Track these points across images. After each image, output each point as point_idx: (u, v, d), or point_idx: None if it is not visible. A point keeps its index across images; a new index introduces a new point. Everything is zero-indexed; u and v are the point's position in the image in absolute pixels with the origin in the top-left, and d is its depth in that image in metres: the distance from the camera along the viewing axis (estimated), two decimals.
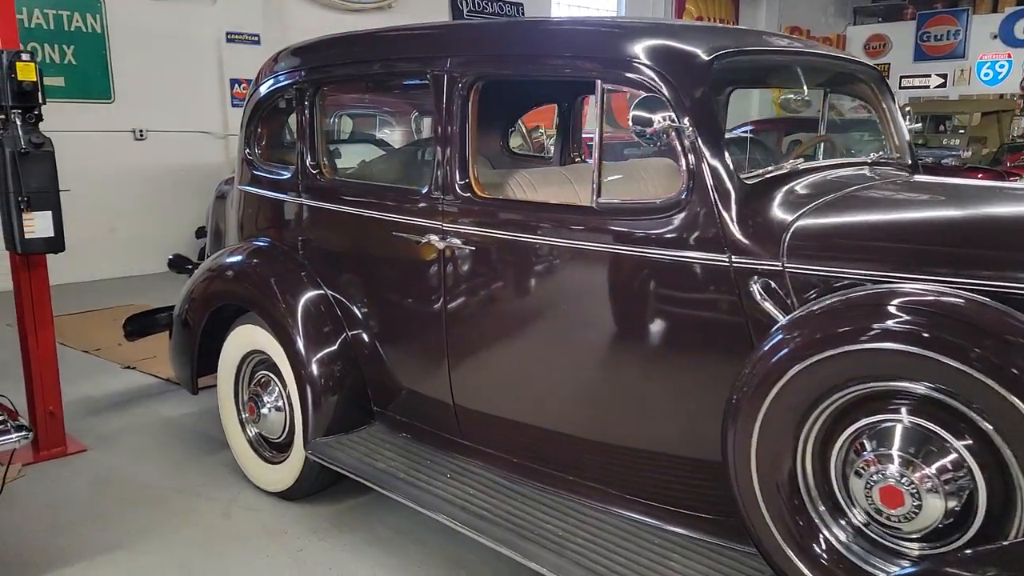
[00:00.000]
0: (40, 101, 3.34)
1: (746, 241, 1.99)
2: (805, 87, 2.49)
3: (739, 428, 1.84)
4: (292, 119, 3.63)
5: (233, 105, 8.48)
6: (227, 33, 8.36)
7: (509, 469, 2.60)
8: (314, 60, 3.03)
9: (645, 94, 2.03)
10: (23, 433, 2.46)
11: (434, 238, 2.57)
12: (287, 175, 3.15)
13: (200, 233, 8.08)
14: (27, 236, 3.31)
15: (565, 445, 2.44)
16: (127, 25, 7.77)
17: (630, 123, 1.99)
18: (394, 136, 6.37)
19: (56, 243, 3.41)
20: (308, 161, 3.02)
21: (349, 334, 3.02)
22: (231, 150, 8.50)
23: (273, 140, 3.44)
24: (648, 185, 3.00)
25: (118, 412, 4.29)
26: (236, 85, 8.48)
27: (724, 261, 2.01)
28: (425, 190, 2.60)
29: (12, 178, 3.26)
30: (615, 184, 2.90)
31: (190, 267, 4.18)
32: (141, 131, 7.97)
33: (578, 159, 3.96)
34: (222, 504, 3.23)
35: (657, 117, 1.97)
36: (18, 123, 3.27)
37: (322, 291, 3.07)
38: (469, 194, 2.49)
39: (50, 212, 3.37)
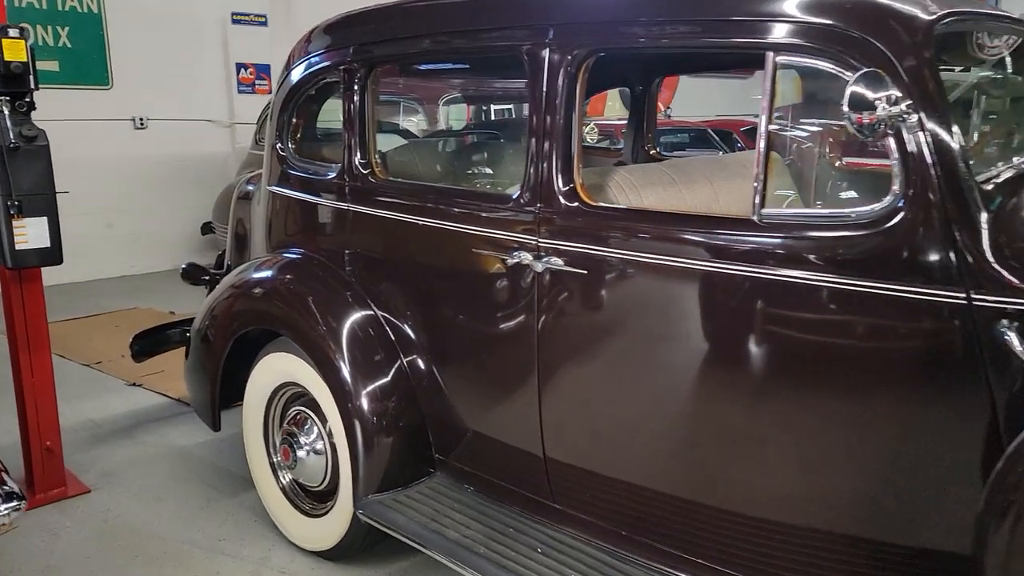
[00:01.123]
0: (32, 86, 2.82)
1: (997, 269, 1.48)
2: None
3: (1011, 528, 1.34)
4: (328, 108, 3.13)
5: (239, 91, 7.93)
6: (232, 14, 7.79)
7: (616, 543, 2.09)
8: (367, 34, 2.49)
9: (864, 69, 1.51)
10: (13, 504, 1.96)
11: (527, 257, 2.06)
12: (330, 175, 2.62)
13: (205, 229, 7.56)
14: (18, 247, 2.79)
15: (694, 517, 1.93)
16: (126, 5, 7.20)
17: (845, 108, 1.48)
18: (420, 126, 5.83)
19: (53, 255, 2.89)
20: (356, 159, 2.50)
21: (406, 365, 2.52)
22: (237, 139, 7.95)
23: (308, 133, 2.92)
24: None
25: (124, 440, 3.78)
26: (242, 70, 7.92)
27: (958, 297, 1.49)
28: (515, 195, 2.09)
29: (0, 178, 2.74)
30: (736, 185, 2.39)
31: (207, 278, 3.66)
32: (141, 119, 7.42)
33: (653, 152, 3.43)
34: (251, 564, 2.73)
35: (882, 98, 1.45)
36: (5, 112, 2.74)
37: (372, 313, 2.56)
38: (576, 203, 1.98)
39: (45, 218, 2.86)
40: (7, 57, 2.66)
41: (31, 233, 2.80)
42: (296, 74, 2.81)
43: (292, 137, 2.83)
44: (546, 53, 1.95)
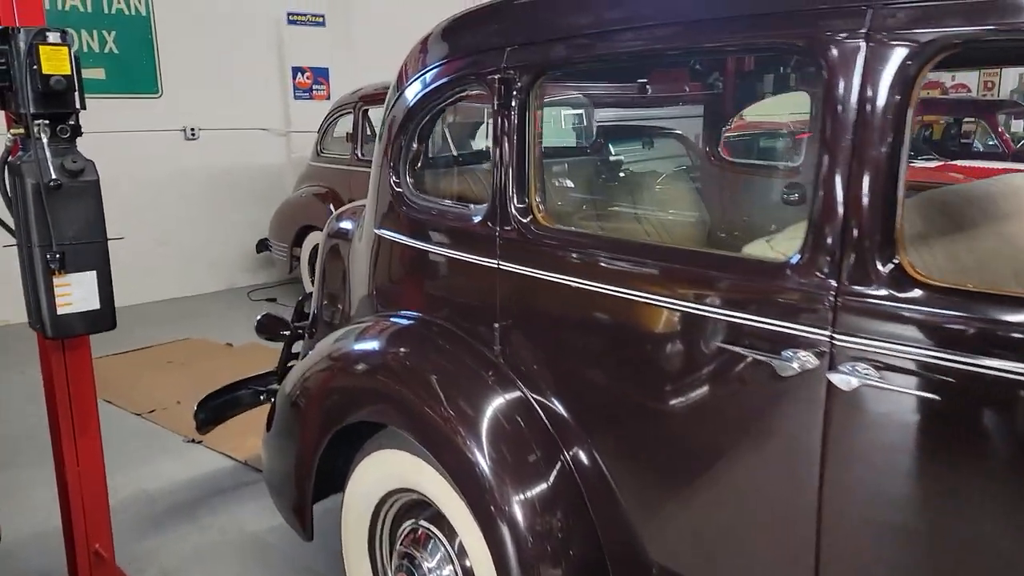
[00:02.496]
0: (77, 106, 2.19)
1: None
2: None
3: None
4: (444, 130, 2.47)
5: (296, 97, 7.35)
6: (288, 14, 7.21)
7: None
8: (535, 30, 1.78)
9: None
10: None
11: (809, 360, 1.35)
12: (471, 219, 1.95)
13: (261, 246, 6.99)
14: (61, 311, 2.17)
15: None
16: (175, 5, 6.65)
17: None
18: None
19: (104, 318, 2.27)
20: (512, 198, 1.82)
21: (573, 468, 1.84)
22: (293, 149, 7.37)
23: (435, 162, 2.25)
24: None
25: (185, 524, 3.17)
26: (299, 74, 7.34)
27: None
28: (794, 262, 1.39)
29: (38, 224, 2.13)
30: None
31: (287, 333, 3.02)
32: (192, 130, 6.87)
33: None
34: None
35: None
36: (44, 140, 2.12)
37: (523, 398, 1.90)
38: (909, 280, 1.27)
39: (94, 272, 2.23)
40: (45, 70, 2.05)
41: (77, 293, 2.19)
42: (414, 90, 2.15)
43: (411, 168, 2.16)
44: (865, 48, 1.24)
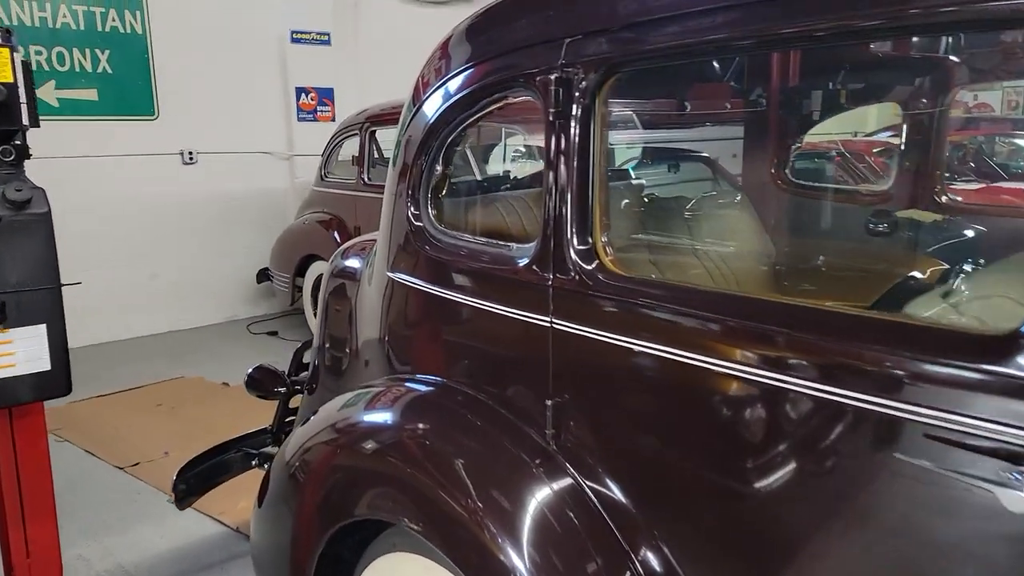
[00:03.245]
0: (24, 122, 1.78)
1: None
2: None
3: None
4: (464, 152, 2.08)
5: (299, 119, 6.97)
6: (292, 32, 6.85)
7: None
8: (605, 15, 1.33)
9: None
10: None
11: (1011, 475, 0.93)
12: (514, 262, 1.52)
13: (262, 276, 6.58)
14: (2, 375, 1.74)
15: None
16: (173, 23, 6.30)
17: None
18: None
19: (55, 382, 1.85)
20: (572, 239, 1.39)
21: None
22: (297, 173, 6.98)
23: (462, 189, 1.84)
24: None
25: None
26: (302, 95, 6.97)
27: None
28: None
29: None
30: None
31: (282, 390, 2.59)
32: (190, 153, 6.49)
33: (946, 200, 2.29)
34: None
35: None
36: None
37: (578, 490, 1.46)
38: None
39: (43, 326, 1.81)
40: None
41: (22, 352, 1.77)
42: (435, 103, 1.73)
43: (433, 196, 1.74)
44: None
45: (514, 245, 1.54)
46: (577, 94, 1.34)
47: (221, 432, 4.32)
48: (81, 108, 5.96)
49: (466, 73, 1.69)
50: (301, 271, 5.96)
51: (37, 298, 1.80)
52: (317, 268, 5.82)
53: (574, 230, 1.38)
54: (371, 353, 2.00)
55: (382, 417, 1.81)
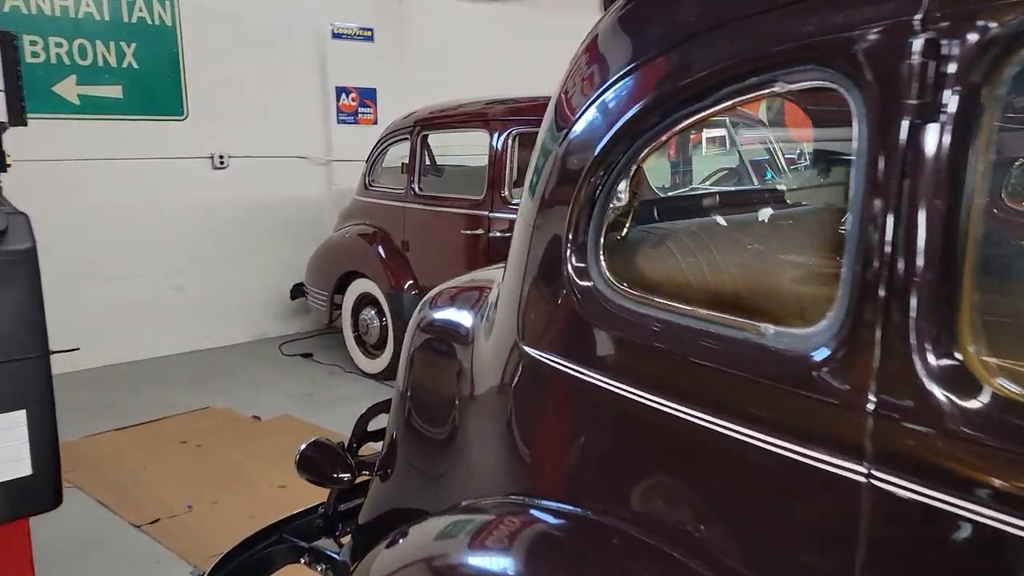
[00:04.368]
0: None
1: None
2: None
3: None
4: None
5: (339, 121, 6.42)
6: (332, 27, 6.30)
7: None
8: None
9: None
10: None
11: None
12: (787, 353, 0.91)
13: (296, 292, 6.03)
14: None
15: None
16: (205, 17, 5.77)
17: None
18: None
19: (38, 492, 1.27)
20: (925, 333, 0.78)
21: None
22: (335, 180, 6.43)
23: (651, 240, 1.24)
24: None
25: None
26: (343, 95, 6.42)
27: None
28: None
29: None
30: None
31: (345, 477, 1.97)
32: (221, 157, 5.96)
33: None
34: None
35: None
36: None
37: None
38: None
39: (23, 412, 1.24)
40: None
41: None
42: (608, 114, 1.14)
43: (606, 242, 1.14)
44: None
45: (770, 327, 0.93)
46: (950, 73, 0.73)
47: (252, 478, 3.77)
48: (104, 106, 5.44)
49: (675, 54, 1.09)
50: (341, 288, 5.40)
51: (13, 373, 1.23)
52: (359, 287, 5.26)
53: (926, 313, 0.77)
54: (481, 455, 1.41)
55: (496, 565, 1.21)
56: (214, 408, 4.72)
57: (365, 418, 2.08)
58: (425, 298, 1.79)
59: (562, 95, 1.31)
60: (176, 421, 4.51)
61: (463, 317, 1.61)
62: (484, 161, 5.65)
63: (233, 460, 3.95)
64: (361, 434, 2.06)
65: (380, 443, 2.05)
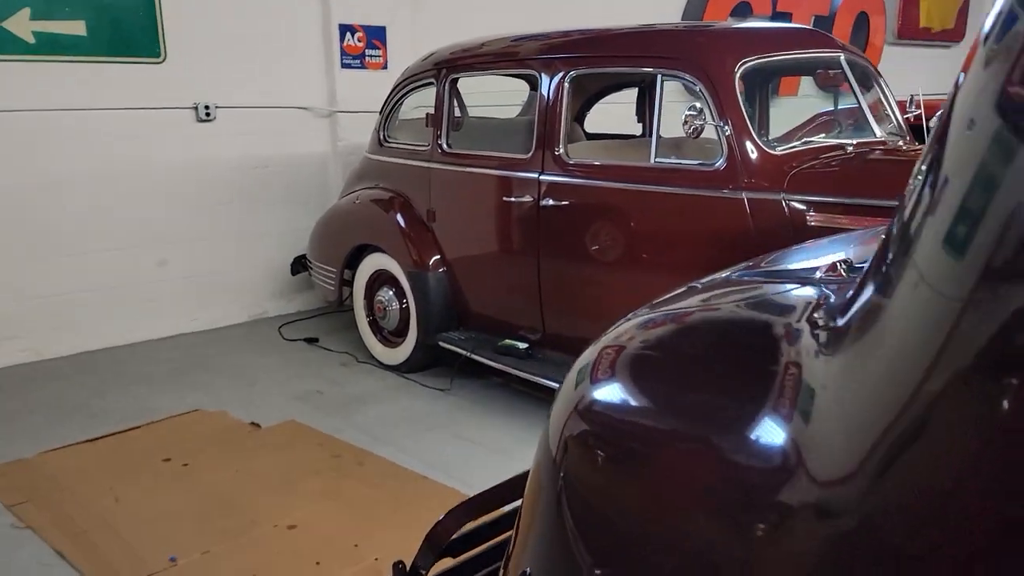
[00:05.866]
0: None
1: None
2: None
3: None
4: None
5: (343, 65, 5.52)
6: None
7: None
8: None
9: None
10: None
11: None
12: None
13: (298, 266, 5.22)
14: None
15: None
16: None
17: None
18: None
19: None
20: None
21: None
22: (340, 134, 5.55)
23: None
24: None
25: None
26: (347, 35, 5.51)
27: None
28: None
29: None
30: None
31: None
32: (206, 107, 5.07)
33: None
34: None
35: None
36: None
37: None
38: None
39: None
40: None
41: None
42: None
43: None
44: None
45: None
46: None
47: (253, 514, 2.98)
48: (64, 46, 4.54)
49: None
50: (351, 263, 4.58)
51: None
52: (374, 262, 4.43)
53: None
54: None
55: None
56: (203, 412, 3.92)
57: (441, 532, 1.27)
58: (580, 362, 0.98)
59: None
60: (157, 430, 3.71)
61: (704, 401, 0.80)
62: (519, 112, 4.80)
63: (228, 486, 3.17)
64: (437, 551, 1.25)
65: (456, 559, 1.26)
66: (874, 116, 3.36)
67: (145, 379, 4.34)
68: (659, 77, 3.18)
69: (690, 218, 3.10)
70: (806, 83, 8.10)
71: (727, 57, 3.04)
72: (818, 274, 1.08)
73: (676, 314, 1.08)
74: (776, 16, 8.23)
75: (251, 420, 3.79)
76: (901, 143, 3.32)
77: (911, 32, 9.69)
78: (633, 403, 0.90)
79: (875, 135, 3.25)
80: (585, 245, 3.39)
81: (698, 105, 2.92)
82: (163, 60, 4.87)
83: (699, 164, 3.10)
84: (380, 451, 3.48)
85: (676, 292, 1.15)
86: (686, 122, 2.89)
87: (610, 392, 0.92)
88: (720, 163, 2.98)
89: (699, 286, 1.17)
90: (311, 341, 4.96)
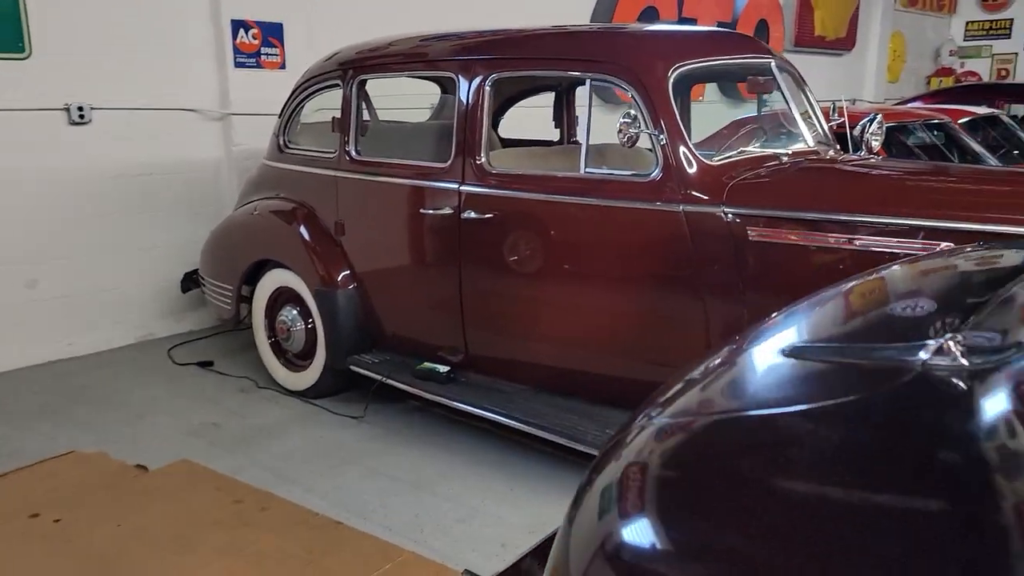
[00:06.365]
0: None
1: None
2: None
3: None
4: None
5: (237, 64, 5.09)
6: None
7: None
8: None
9: None
10: None
11: None
12: None
13: (188, 283, 4.77)
14: None
15: None
16: None
17: None
18: None
19: None
20: None
21: None
22: (235, 138, 5.12)
23: None
24: None
25: None
26: (241, 31, 5.08)
27: None
28: None
29: None
30: None
31: None
32: (80, 108, 4.56)
33: None
34: None
35: None
36: None
37: None
38: None
39: None
40: None
41: None
42: None
43: None
44: None
45: None
46: None
47: None
48: None
49: None
50: (250, 279, 4.18)
51: None
52: (275, 279, 4.05)
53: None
54: None
55: None
56: (79, 454, 3.45)
57: None
58: (611, 473, 0.72)
59: None
60: (22, 479, 3.23)
61: None
62: (429, 116, 4.52)
63: (109, 546, 2.75)
64: None
65: None
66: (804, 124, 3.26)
67: (10, 417, 3.82)
68: (588, 81, 2.96)
69: (623, 232, 2.90)
70: (710, 89, 8.15)
71: (661, 61, 2.85)
72: (921, 359, 0.82)
73: (714, 418, 0.82)
74: (682, 21, 8.24)
75: (136, 462, 3.35)
76: (832, 152, 3.23)
77: (807, 40, 9.94)
78: (678, 554, 0.64)
79: (808, 144, 3.14)
80: (511, 260, 3.15)
81: (632, 112, 2.72)
82: (28, 55, 4.34)
83: (633, 175, 2.90)
84: (287, 492, 3.13)
85: (711, 366, 0.91)
86: (620, 130, 2.68)
87: (644, 534, 0.66)
88: (655, 173, 2.79)
89: (735, 366, 0.92)
90: (205, 365, 4.52)
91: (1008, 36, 13.11)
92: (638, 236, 2.87)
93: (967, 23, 13.44)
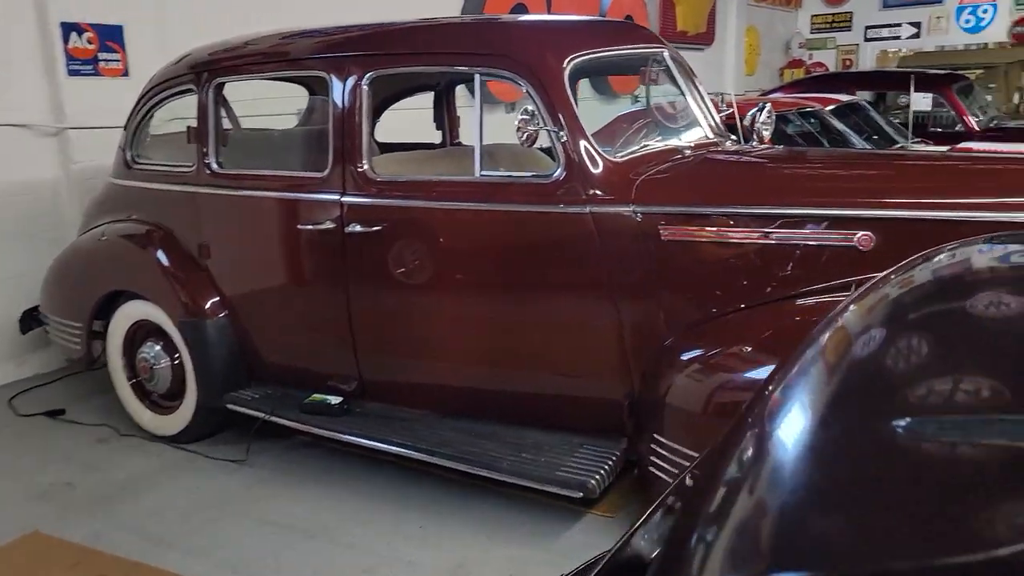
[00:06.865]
0: None
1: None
2: None
3: None
4: None
5: (71, 72, 4.53)
6: None
7: None
8: None
9: None
10: None
11: None
12: None
13: (28, 322, 4.19)
14: None
15: None
16: None
17: None
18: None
19: None
20: None
21: None
22: (75, 156, 4.55)
23: None
24: None
25: None
26: (73, 35, 4.52)
27: None
28: None
29: None
30: None
31: None
32: None
33: None
34: None
35: None
36: None
37: None
38: None
39: None
40: None
41: None
42: None
43: None
44: None
45: None
46: None
47: None
48: None
49: None
50: (103, 313, 3.68)
51: None
52: (132, 312, 3.57)
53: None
54: None
55: None
56: None
57: None
58: None
59: None
60: None
61: None
62: (298, 122, 4.15)
63: None
64: None
65: None
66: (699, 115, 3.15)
67: None
68: (477, 77, 2.72)
69: (526, 237, 2.68)
70: (583, 85, 8.12)
71: (555, 52, 2.65)
72: None
73: None
74: None
75: None
76: (729, 143, 3.13)
77: (671, 35, 10.11)
78: None
79: (708, 135, 3.03)
80: (403, 275, 2.86)
81: (530, 108, 2.50)
82: None
83: (533, 176, 2.68)
84: (161, 559, 2.72)
85: None
86: (519, 128, 2.46)
87: None
88: (558, 174, 2.58)
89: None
90: (55, 414, 3.95)
91: (849, 28, 13.91)
92: (543, 241, 2.66)
93: (812, 16, 14.16)
